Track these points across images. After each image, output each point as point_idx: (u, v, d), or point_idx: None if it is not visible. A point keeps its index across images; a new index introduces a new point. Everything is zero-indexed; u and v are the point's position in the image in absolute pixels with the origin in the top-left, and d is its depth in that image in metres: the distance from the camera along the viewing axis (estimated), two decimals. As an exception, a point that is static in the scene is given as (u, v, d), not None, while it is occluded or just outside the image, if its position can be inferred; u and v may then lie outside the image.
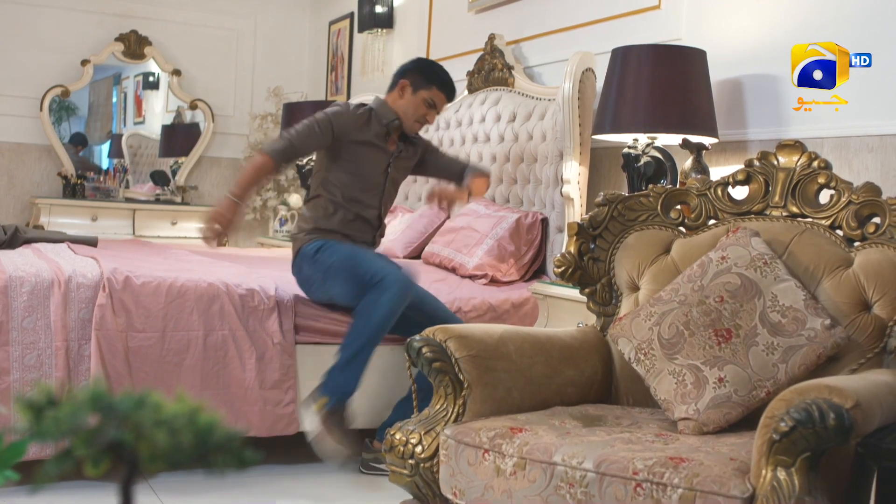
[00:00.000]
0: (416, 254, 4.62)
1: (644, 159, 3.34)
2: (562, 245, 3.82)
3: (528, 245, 4.00)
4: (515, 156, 4.31)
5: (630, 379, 2.52)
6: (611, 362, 2.59)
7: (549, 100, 4.16)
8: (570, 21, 4.36)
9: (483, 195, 3.81)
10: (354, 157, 3.49)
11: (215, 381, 3.29)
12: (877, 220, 2.37)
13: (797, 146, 2.52)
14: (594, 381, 2.54)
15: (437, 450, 2.22)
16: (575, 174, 3.78)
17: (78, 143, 6.79)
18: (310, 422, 3.18)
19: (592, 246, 2.65)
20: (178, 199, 6.83)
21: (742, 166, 2.59)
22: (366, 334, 3.21)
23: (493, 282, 3.94)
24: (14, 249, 4.00)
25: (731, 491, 1.77)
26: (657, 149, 3.34)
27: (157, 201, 6.79)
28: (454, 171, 3.73)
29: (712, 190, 2.63)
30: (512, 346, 2.37)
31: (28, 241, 4.23)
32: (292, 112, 5.74)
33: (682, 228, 2.65)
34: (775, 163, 2.53)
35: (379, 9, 6.04)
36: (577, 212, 3.78)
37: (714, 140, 3.30)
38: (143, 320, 3.24)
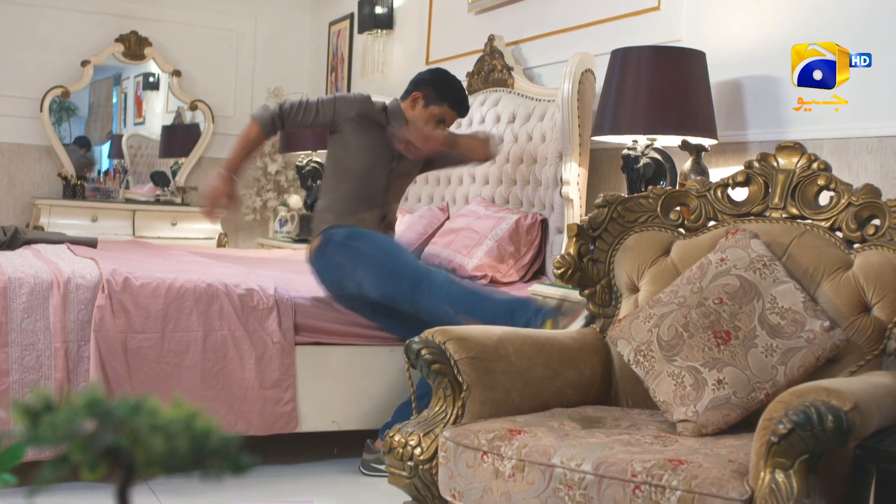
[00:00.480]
0: (416, 255, 4.62)
1: (643, 160, 3.34)
2: (561, 246, 3.82)
3: (528, 246, 4.00)
4: (515, 157, 4.31)
5: (629, 380, 2.51)
6: (610, 364, 2.59)
7: (549, 101, 4.16)
8: (569, 22, 4.36)
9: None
10: (359, 131, 3.53)
11: (215, 381, 3.30)
12: (876, 221, 2.38)
13: (797, 148, 2.52)
14: (593, 383, 2.54)
15: (436, 452, 2.22)
16: (574, 175, 3.78)
17: (83, 145, 6.79)
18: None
19: (592, 247, 2.65)
20: (178, 200, 6.83)
21: (742, 168, 2.59)
22: (465, 303, 3.21)
23: (493, 283, 3.94)
24: (14, 251, 4.00)
25: (730, 493, 1.77)
26: (657, 150, 3.34)
27: (157, 202, 6.79)
28: (453, 155, 3.75)
29: (712, 191, 2.63)
30: (511, 348, 2.37)
31: (28, 242, 4.23)
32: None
33: (681, 230, 2.65)
34: (775, 164, 2.53)
35: (379, 10, 6.05)
36: (576, 213, 3.78)
37: (713, 141, 3.30)
38: (142, 321, 3.24)
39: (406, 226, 4.67)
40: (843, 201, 2.42)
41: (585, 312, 2.72)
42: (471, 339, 2.32)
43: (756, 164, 2.56)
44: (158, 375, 3.23)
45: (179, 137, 7.05)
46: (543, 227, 4.04)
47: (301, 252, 4.38)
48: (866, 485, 1.96)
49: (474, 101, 4.71)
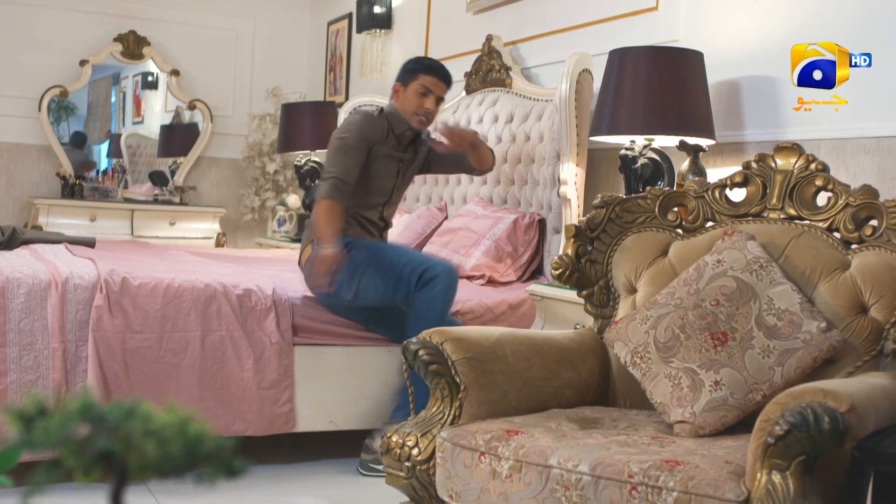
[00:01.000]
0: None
1: (641, 161, 3.34)
2: (559, 246, 3.82)
3: (526, 246, 4.00)
4: (513, 157, 4.31)
5: (627, 381, 2.51)
6: (608, 365, 2.59)
7: (547, 101, 4.16)
8: (567, 22, 4.36)
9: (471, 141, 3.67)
10: (370, 169, 3.49)
11: (213, 381, 3.30)
12: (874, 222, 2.38)
13: (794, 148, 2.52)
14: (591, 384, 2.54)
15: (433, 452, 2.22)
16: (572, 175, 3.78)
17: (78, 143, 6.78)
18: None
19: (590, 248, 2.66)
20: (177, 200, 6.83)
21: (739, 168, 2.60)
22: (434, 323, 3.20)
23: (491, 282, 3.95)
24: (12, 251, 4.00)
25: (726, 494, 1.77)
26: (654, 150, 3.34)
27: (156, 201, 6.78)
28: (459, 158, 3.74)
29: (710, 192, 2.63)
30: (509, 349, 2.37)
31: (26, 242, 4.23)
32: (291, 112, 5.74)
33: (679, 231, 2.65)
34: (773, 165, 2.54)
35: (377, 9, 6.05)
36: (574, 213, 3.78)
37: (711, 142, 3.30)
38: (140, 321, 3.24)
39: (404, 225, 4.67)
40: (840, 202, 2.42)
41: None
42: (468, 340, 2.32)
43: (754, 165, 2.56)
44: (156, 376, 3.23)
45: (178, 137, 7.05)
46: (541, 227, 4.04)
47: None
48: (863, 486, 1.96)
49: (472, 101, 4.71)
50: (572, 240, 2.64)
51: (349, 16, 6.56)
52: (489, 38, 4.64)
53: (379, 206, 3.60)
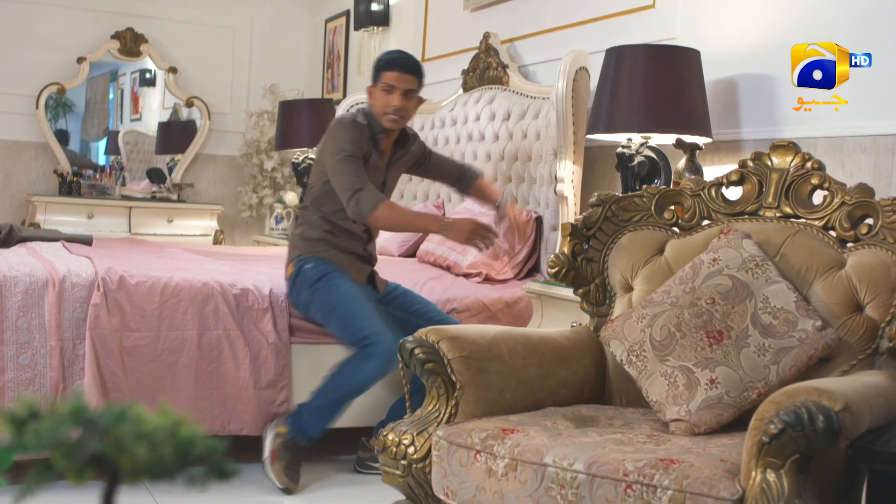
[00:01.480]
0: (412, 252, 4.63)
1: (638, 159, 3.34)
2: (556, 243, 3.83)
3: (523, 243, 4.00)
4: (510, 154, 4.31)
5: (623, 379, 2.52)
6: (604, 363, 2.59)
7: (544, 98, 4.16)
8: (564, 20, 4.37)
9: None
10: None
11: (210, 380, 3.30)
12: (870, 221, 2.38)
13: (791, 147, 2.53)
14: (587, 382, 2.54)
15: (429, 451, 2.22)
16: (569, 173, 3.79)
17: (62, 141, 6.72)
18: (268, 442, 3.25)
19: (586, 246, 2.66)
20: (175, 197, 6.83)
21: (736, 166, 2.60)
22: (341, 391, 3.22)
23: (488, 280, 3.95)
24: (9, 248, 4.00)
25: (721, 493, 1.78)
26: (651, 148, 3.34)
27: (154, 199, 6.79)
28: (451, 173, 3.70)
29: (706, 190, 2.63)
30: (504, 347, 2.37)
31: (23, 240, 4.23)
32: (288, 110, 5.74)
33: (675, 229, 2.65)
34: (769, 163, 2.54)
35: (375, 6, 6.05)
36: (571, 211, 3.78)
37: (708, 140, 3.31)
38: (137, 320, 3.25)
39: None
40: (836, 200, 2.42)
41: None
42: (464, 339, 2.32)
43: (750, 164, 2.56)
44: (153, 374, 3.23)
45: (176, 134, 7.05)
46: (538, 225, 4.05)
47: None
48: (858, 485, 1.97)
49: (469, 98, 4.71)
50: (568, 238, 2.64)
51: (347, 13, 6.56)
52: (486, 36, 4.64)
53: (360, 230, 3.52)
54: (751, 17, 3.40)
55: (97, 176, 6.81)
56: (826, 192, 2.45)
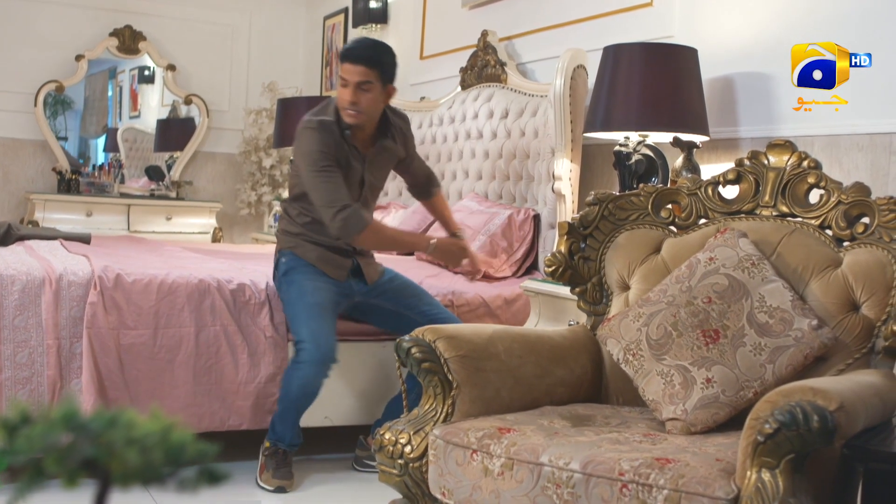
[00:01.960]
0: (411, 251, 4.62)
1: (635, 157, 3.34)
2: (554, 241, 3.83)
3: (521, 241, 4.01)
4: (508, 152, 4.32)
5: (620, 378, 2.52)
6: (601, 362, 2.59)
7: (542, 96, 4.17)
8: (562, 18, 4.37)
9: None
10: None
11: (207, 376, 3.30)
12: (866, 220, 2.38)
13: (787, 146, 2.53)
14: (584, 381, 2.55)
15: (426, 450, 2.23)
16: (567, 171, 3.79)
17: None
18: (259, 460, 3.31)
19: (583, 245, 2.66)
20: (173, 195, 6.83)
21: (733, 165, 2.60)
22: (289, 399, 3.25)
23: (486, 277, 3.95)
24: (6, 247, 4.00)
25: (716, 492, 1.78)
26: (648, 146, 3.35)
27: (152, 196, 6.79)
28: (419, 178, 3.63)
29: (703, 189, 2.63)
30: (501, 347, 2.38)
31: (21, 239, 4.23)
32: (287, 107, 5.74)
33: (672, 228, 2.66)
34: (766, 162, 2.54)
35: (373, 4, 6.05)
36: (568, 208, 3.79)
37: (705, 138, 3.31)
38: (134, 318, 3.25)
39: (399, 221, 4.67)
40: (832, 199, 2.43)
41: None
42: (461, 338, 2.32)
43: (747, 162, 2.57)
44: (151, 372, 3.24)
45: (174, 132, 7.05)
46: (536, 223, 4.05)
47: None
48: (853, 484, 1.97)
49: (467, 96, 4.71)
50: (565, 237, 2.65)
51: (345, 10, 6.56)
52: (484, 34, 4.64)
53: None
54: (748, 15, 3.40)
55: (96, 174, 6.81)
56: (822, 191, 2.46)
